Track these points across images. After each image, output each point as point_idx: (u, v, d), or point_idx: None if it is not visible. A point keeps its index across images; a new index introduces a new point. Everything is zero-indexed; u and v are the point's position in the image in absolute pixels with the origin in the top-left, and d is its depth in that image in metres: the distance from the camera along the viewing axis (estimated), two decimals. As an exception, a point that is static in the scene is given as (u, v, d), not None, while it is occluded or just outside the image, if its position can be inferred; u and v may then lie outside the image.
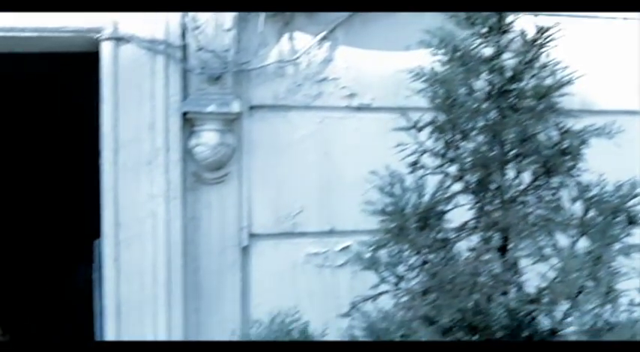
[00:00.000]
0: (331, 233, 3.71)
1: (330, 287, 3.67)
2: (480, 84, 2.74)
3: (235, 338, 3.10)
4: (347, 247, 3.68)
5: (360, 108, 3.77)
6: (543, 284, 2.63)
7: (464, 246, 2.70)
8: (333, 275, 3.70)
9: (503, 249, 2.69)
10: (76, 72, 3.75)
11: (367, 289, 2.81)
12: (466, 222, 2.71)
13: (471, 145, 2.71)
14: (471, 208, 2.75)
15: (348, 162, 3.73)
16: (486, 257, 2.63)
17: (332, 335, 2.81)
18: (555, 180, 2.75)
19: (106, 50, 3.49)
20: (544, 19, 2.79)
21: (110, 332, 3.51)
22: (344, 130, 3.76)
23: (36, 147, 6.81)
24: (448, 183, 2.68)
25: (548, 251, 2.64)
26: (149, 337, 3.48)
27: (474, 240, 2.71)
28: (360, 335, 2.57)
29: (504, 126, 2.70)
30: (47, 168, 6.87)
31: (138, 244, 3.50)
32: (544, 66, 2.76)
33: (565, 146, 2.73)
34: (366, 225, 3.12)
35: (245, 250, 3.62)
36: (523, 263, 2.71)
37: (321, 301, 3.53)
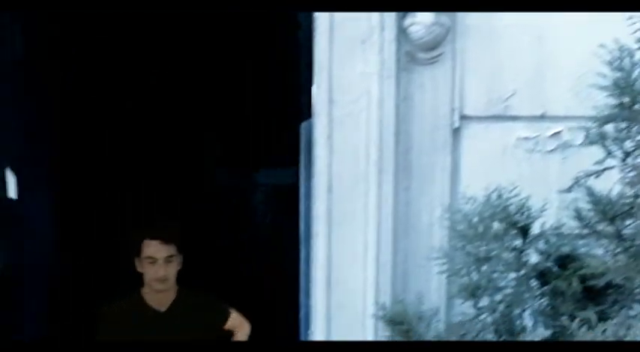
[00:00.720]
0: (542, 118, 3.66)
1: (540, 172, 3.63)
2: None
3: (447, 215, 3.13)
4: (558, 133, 3.64)
5: (575, -7, 3.68)
6: None
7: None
8: (543, 160, 3.67)
9: None
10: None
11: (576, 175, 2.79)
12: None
13: None
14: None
15: (561, 47, 3.65)
16: None
17: (552, 210, 2.82)
18: None
19: None
20: None
21: (321, 207, 3.60)
22: (558, 15, 3.68)
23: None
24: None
25: None
26: (360, 214, 3.56)
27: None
28: (585, 207, 2.56)
29: None
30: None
31: (351, 122, 3.55)
32: None
33: None
34: (577, 110, 3.09)
35: (456, 132, 3.62)
36: None
37: (531, 185, 3.50)
